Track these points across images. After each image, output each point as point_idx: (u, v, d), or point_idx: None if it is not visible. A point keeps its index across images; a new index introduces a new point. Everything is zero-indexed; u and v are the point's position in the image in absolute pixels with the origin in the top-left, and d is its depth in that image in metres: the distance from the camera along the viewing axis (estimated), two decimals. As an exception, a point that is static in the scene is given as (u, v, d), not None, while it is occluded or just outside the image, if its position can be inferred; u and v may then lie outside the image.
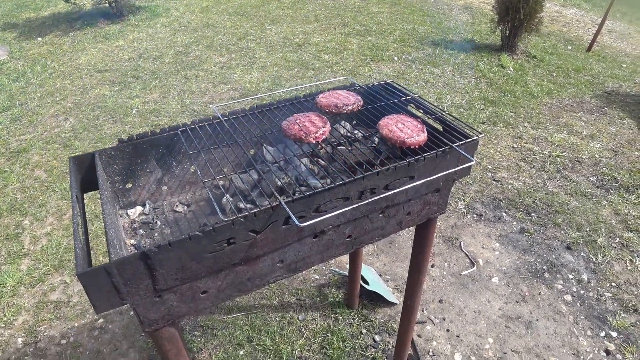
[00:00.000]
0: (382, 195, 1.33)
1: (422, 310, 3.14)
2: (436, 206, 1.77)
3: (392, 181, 1.50)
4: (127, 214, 1.84)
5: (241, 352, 2.84)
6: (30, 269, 3.43)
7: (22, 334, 3.01)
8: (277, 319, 3.04)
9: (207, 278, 1.38)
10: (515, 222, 3.88)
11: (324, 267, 3.42)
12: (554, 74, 6.49)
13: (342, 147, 1.79)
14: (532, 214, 3.95)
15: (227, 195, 1.72)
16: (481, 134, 1.66)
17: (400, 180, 1.52)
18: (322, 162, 1.75)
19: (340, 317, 3.06)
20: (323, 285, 3.29)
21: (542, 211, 3.99)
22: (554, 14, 9.08)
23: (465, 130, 1.72)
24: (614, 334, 3.04)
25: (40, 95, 5.60)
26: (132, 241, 1.73)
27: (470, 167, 1.76)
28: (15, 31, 7.46)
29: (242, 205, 1.72)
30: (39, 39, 7.12)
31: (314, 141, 1.56)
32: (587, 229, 3.82)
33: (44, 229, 3.77)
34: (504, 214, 3.96)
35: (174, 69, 6.19)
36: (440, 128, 1.81)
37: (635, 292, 3.33)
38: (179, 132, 1.73)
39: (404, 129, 1.58)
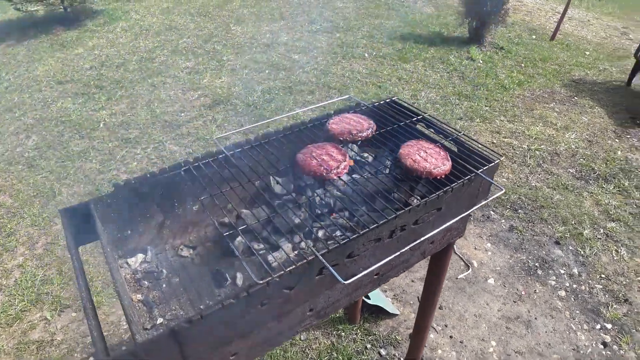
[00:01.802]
0: (423, 238, 1.25)
1: (424, 319, 3.10)
2: (457, 231, 1.71)
3: (421, 216, 1.43)
4: (127, 263, 1.69)
5: (245, 381, 2.72)
6: (5, 306, 3.19)
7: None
8: (279, 341, 2.94)
9: (238, 340, 1.26)
10: (503, 220, 3.90)
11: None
12: (522, 65, 6.58)
13: (356, 175, 1.70)
14: (519, 211, 3.98)
15: (241, 236, 1.61)
16: (501, 156, 1.61)
17: (429, 214, 1.45)
18: (338, 192, 1.66)
19: (343, 334, 2.99)
20: (321, 301, 3.20)
21: (528, 207, 4.02)
22: (515, 3, 9.20)
23: (482, 151, 1.66)
24: (609, 326, 3.10)
25: (-4, 112, 5.23)
26: (139, 296, 1.59)
27: (489, 189, 1.70)
28: (-39, 42, 6.94)
29: (256, 245, 1.61)
30: (-11, 49, 6.65)
31: (336, 177, 1.46)
32: (573, 222, 3.88)
33: (16, 260, 3.51)
34: (492, 212, 3.98)
35: (139, 77, 5.91)
36: (454, 147, 1.75)
37: (624, 282, 3.40)
38: (182, 172, 1.59)
39: (428, 157, 1.50)
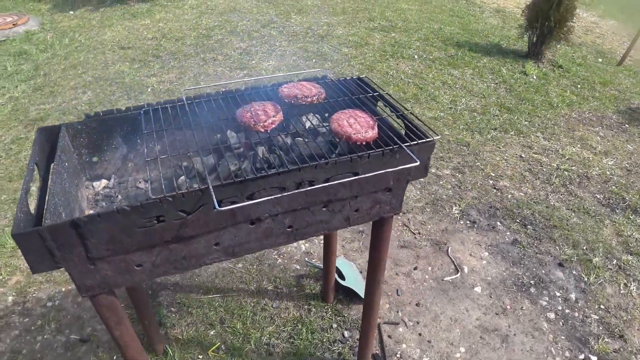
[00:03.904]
0: (307, 189, 1.35)
1: (397, 312, 3.14)
2: (388, 205, 1.77)
3: (333, 175, 1.51)
4: (92, 185, 1.92)
5: (212, 333, 2.90)
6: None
7: (13, 293, 3.15)
8: (252, 304, 3.09)
9: (140, 252, 1.43)
10: (508, 233, 3.81)
11: (306, 259, 3.45)
12: (579, 86, 6.29)
13: (300, 138, 1.81)
14: (528, 226, 3.87)
15: (184, 176, 1.78)
16: (438, 135, 1.65)
17: (343, 176, 1.53)
18: (280, 152, 1.77)
19: (314, 309, 3.09)
20: (302, 276, 3.32)
21: (539, 224, 3.90)
22: (590, 24, 8.76)
23: (426, 131, 1.71)
24: (594, 358, 2.96)
25: (63, 67, 5.79)
26: (92, 211, 1.80)
27: (425, 168, 1.75)
28: (49, 3, 7.73)
29: (196, 186, 1.76)
30: (71, 12, 7.36)
31: (262, 130, 1.58)
32: (584, 247, 3.71)
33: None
34: (498, 223, 3.90)
35: (193, 51, 6.29)
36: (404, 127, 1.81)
37: (624, 318, 3.23)
38: (142, 112, 1.78)
39: (354, 124, 1.58)
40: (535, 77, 6.41)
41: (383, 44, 7.04)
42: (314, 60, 6.32)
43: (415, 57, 6.73)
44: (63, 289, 3.21)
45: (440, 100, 5.66)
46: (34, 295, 3.16)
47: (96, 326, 2.96)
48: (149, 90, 5.33)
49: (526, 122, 5.33)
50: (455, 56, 6.84)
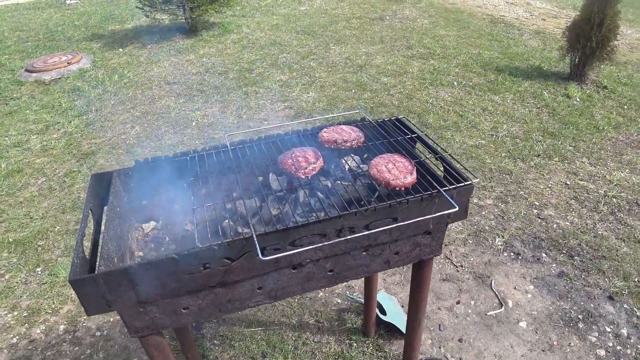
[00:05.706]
0: (350, 237, 1.38)
1: (439, 347, 3.08)
2: (428, 248, 1.77)
3: (372, 221, 1.54)
4: (142, 227, 2.02)
5: (253, 366, 2.94)
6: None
7: (65, 322, 3.30)
8: (293, 338, 3.11)
9: (187, 296, 1.49)
10: (554, 265, 3.69)
11: (347, 293, 3.45)
12: (625, 107, 6.09)
13: (341, 182, 1.85)
14: (575, 258, 3.74)
15: (228, 219, 1.84)
16: (476, 178, 1.66)
17: (382, 222, 1.56)
18: (321, 195, 1.82)
19: (355, 344, 3.07)
20: (343, 310, 3.32)
21: (587, 255, 3.76)
22: (634, 41, 8.50)
23: (464, 173, 1.72)
24: (650, 399, 2.81)
25: (113, 103, 6.12)
26: (141, 253, 1.89)
27: (464, 211, 1.75)
28: (100, 42, 8.21)
29: (240, 230, 1.83)
30: (120, 49, 7.78)
31: (303, 176, 1.63)
32: (636, 279, 3.55)
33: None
34: (544, 254, 3.78)
35: (236, 85, 6.51)
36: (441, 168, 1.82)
37: (683, 355, 3.05)
38: (188, 158, 1.87)
39: (393, 169, 1.61)
40: (578, 100, 6.25)
41: (422, 72, 7.06)
42: (353, 91, 6.41)
43: (455, 83, 6.71)
44: (111, 319, 3.33)
45: (481, 127, 5.61)
46: (83, 324, 3.30)
47: (142, 357, 3.05)
48: (193, 124, 5.53)
49: (571, 147, 5.20)
50: (495, 81, 6.77)
